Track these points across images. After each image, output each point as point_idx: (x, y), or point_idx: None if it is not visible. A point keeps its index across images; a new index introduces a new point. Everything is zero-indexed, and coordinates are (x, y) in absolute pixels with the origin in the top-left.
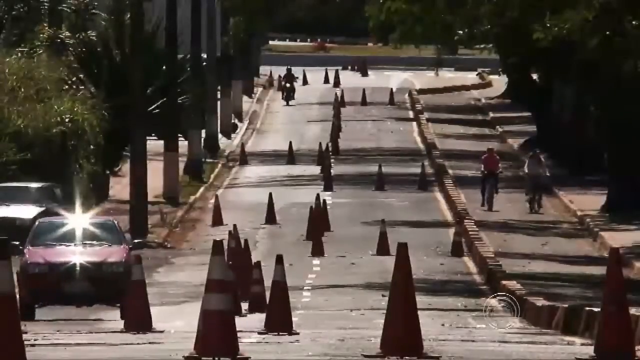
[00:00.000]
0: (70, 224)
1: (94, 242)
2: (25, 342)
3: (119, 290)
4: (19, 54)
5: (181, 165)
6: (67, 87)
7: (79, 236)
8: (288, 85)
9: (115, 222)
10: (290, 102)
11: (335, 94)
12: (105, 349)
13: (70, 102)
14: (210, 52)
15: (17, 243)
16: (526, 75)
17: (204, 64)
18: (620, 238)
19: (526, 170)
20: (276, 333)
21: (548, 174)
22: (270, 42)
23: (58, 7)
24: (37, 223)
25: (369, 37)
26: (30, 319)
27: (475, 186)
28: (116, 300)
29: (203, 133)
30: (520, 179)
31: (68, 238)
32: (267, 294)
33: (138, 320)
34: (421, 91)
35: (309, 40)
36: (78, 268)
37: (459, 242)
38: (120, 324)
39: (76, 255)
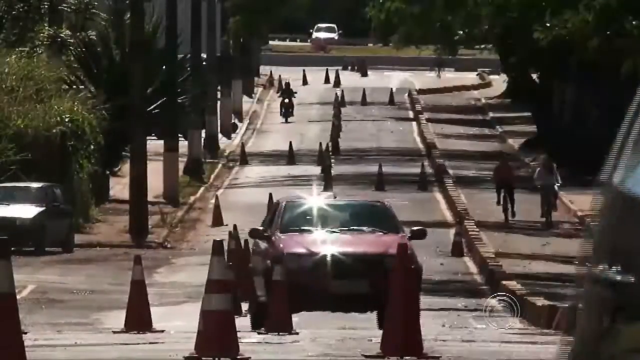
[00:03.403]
0: (330, 205)
1: (364, 229)
2: (26, 342)
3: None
4: (19, 54)
5: (181, 165)
6: (67, 87)
7: (345, 221)
8: (286, 100)
9: (388, 203)
10: (289, 119)
11: (335, 94)
12: (105, 349)
13: (70, 102)
14: (210, 52)
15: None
16: (526, 75)
17: (204, 64)
18: None
19: (537, 181)
20: (276, 333)
21: (559, 183)
22: (270, 42)
23: (58, 7)
24: (284, 203)
25: (369, 37)
26: (286, 330)
27: (476, 186)
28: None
29: (203, 133)
30: (522, 180)
31: (329, 222)
32: None
33: (138, 320)
34: (421, 91)
35: (308, 40)
36: (351, 262)
37: (459, 242)
38: (121, 324)
39: (346, 245)
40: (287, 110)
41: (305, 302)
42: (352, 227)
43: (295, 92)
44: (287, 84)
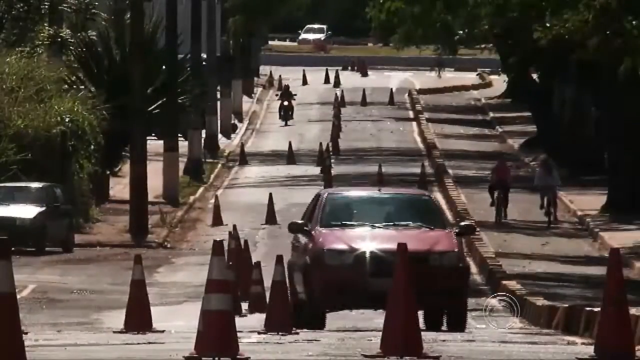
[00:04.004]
0: (374, 199)
1: (410, 224)
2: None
3: (456, 293)
4: (19, 54)
5: (181, 165)
6: (67, 87)
7: (389, 215)
8: (286, 103)
9: (433, 197)
10: (288, 122)
11: (335, 94)
12: (105, 349)
13: (70, 102)
14: (210, 52)
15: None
16: (526, 75)
17: (204, 64)
18: (620, 238)
19: (536, 182)
20: (276, 333)
21: (559, 184)
22: (270, 42)
23: (58, 7)
24: (325, 196)
25: (369, 37)
26: (319, 327)
27: (475, 186)
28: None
29: (203, 133)
30: (521, 180)
31: (373, 217)
32: (267, 294)
33: (138, 320)
34: (421, 91)
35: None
36: (393, 259)
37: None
38: (121, 324)
39: (389, 241)
40: (286, 113)
41: (343, 299)
42: (396, 222)
43: (295, 95)
44: (287, 87)
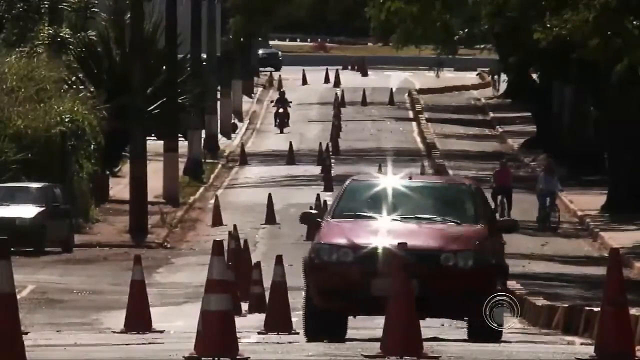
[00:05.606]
0: (401, 188)
1: (435, 218)
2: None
3: (473, 297)
4: (19, 54)
5: (181, 166)
6: (67, 87)
7: (415, 207)
8: (281, 110)
9: (474, 186)
10: (284, 130)
11: (335, 94)
12: (105, 349)
13: (70, 102)
14: (210, 52)
15: None
16: (526, 75)
17: (204, 64)
18: (620, 238)
19: (540, 187)
20: (276, 333)
21: (561, 189)
22: (270, 42)
23: (58, 7)
24: (348, 182)
25: (369, 37)
26: (337, 333)
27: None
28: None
29: (203, 133)
30: (521, 180)
31: (396, 208)
32: (267, 294)
33: (138, 320)
34: (421, 91)
35: (309, 40)
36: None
37: None
38: (121, 324)
39: (400, 237)
40: (282, 121)
41: (340, 303)
42: (418, 215)
43: (290, 102)
44: (282, 93)
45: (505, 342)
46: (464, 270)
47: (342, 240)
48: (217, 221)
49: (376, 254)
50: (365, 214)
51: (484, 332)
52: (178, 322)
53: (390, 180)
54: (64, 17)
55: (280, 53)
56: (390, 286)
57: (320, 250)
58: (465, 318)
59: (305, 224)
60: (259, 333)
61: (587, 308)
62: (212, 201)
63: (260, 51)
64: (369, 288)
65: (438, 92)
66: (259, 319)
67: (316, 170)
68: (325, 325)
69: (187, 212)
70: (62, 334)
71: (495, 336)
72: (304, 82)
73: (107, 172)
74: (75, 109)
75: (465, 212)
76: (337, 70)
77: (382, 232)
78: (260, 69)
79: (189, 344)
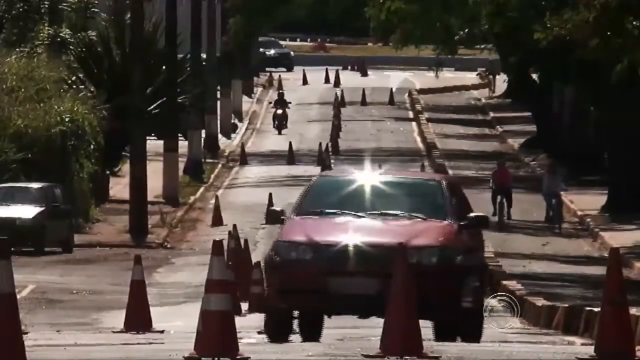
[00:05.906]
0: (369, 183)
1: (400, 214)
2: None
3: (439, 297)
4: (19, 54)
5: (181, 166)
6: (67, 87)
7: (382, 203)
8: (279, 112)
9: (444, 182)
10: (282, 132)
11: (335, 94)
12: (105, 349)
13: (70, 102)
14: (210, 52)
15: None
16: (526, 75)
17: (204, 64)
18: (620, 238)
19: (545, 189)
20: None
21: (566, 189)
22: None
23: (58, 7)
24: (314, 179)
25: (369, 37)
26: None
27: (476, 186)
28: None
29: (203, 133)
30: (521, 180)
31: (362, 204)
32: None
33: (138, 320)
34: (421, 91)
35: (309, 40)
36: (357, 255)
37: None
38: (121, 324)
39: (361, 234)
40: (280, 123)
41: (298, 301)
42: (384, 211)
43: (290, 103)
44: (281, 94)
45: (505, 342)
46: (427, 267)
47: (301, 238)
48: (217, 221)
49: (336, 251)
50: (331, 210)
51: (452, 332)
52: (178, 322)
53: (358, 176)
54: (64, 17)
55: (292, 53)
56: (351, 284)
57: (279, 248)
58: (430, 318)
59: (270, 223)
60: (259, 333)
61: (587, 308)
62: (212, 201)
63: (272, 51)
64: (326, 287)
65: (438, 92)
66: (259, 319)
67: (316, 170)
68: (287, 327)
69: (187, 212)
70: (62, 334)
71: (473, 336)
72: (304, 82)
73: (107, 172)
74: (75, 108)
75: (433, 208)
76: (337, 70)
77: (345, 229)
78: (272, 69)
79: (189, 344)
